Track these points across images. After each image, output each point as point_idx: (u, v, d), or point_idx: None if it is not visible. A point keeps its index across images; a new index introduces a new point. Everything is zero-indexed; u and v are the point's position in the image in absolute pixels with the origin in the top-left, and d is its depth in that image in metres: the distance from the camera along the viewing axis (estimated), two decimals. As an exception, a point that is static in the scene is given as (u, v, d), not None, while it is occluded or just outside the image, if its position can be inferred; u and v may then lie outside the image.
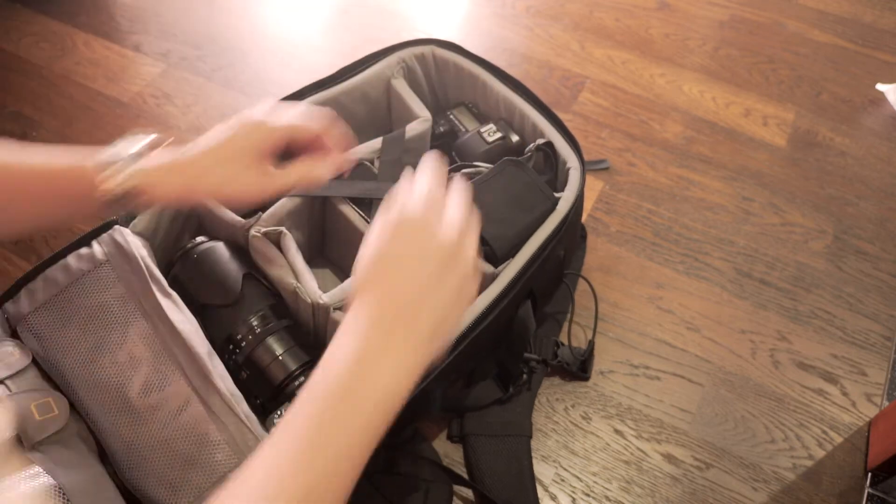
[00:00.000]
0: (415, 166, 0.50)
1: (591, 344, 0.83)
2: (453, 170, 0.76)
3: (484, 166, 0.76)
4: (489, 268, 0.71)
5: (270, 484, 0.38)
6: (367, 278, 0.45)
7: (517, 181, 0.74)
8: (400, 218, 0.46)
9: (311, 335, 0.73)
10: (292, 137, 0.61)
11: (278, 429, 0.40)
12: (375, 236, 0.46)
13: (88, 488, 0.57)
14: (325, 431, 0.40)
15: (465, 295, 0.46)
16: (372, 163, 0.80)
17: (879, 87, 1.18)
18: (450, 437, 0.77)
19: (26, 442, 0.58)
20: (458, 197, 0.49)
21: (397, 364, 0.42)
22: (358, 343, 0.42)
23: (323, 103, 0.83)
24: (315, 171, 0.62)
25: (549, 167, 0.81)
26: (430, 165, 0.50)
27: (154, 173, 0.56)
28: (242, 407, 0.61)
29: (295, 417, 0.41)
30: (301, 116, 0.61)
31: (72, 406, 0.63)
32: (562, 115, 0.81)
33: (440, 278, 0.44)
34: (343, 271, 0.85)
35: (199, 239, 0.74)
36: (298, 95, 0.82)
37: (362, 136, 0.87)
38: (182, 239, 0.74)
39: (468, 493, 0.74)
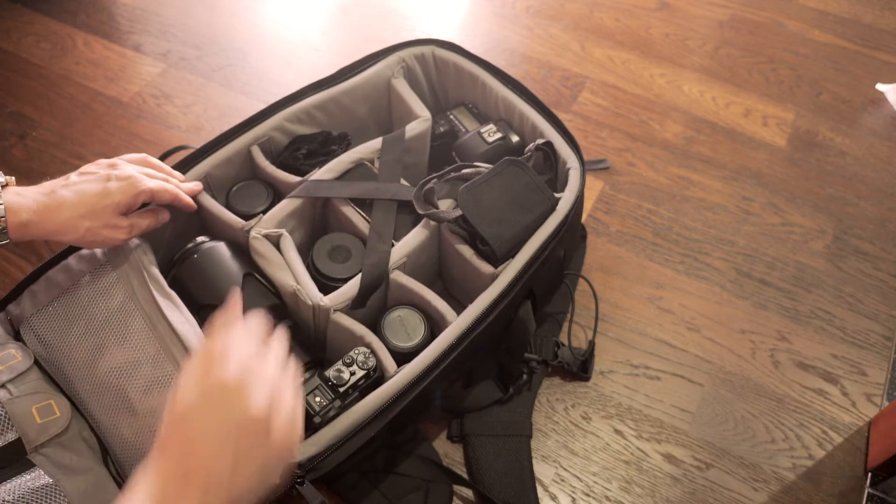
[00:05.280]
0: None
1: (592, 344, 0.83)
2: (453, 170, 0.76)
3: (484, 166, 0.76)
4: (489, 268, 0.71)
5: None
6: (172, 435, 0.44)
7: (517, 181, 0.74)
8: (213, 376, 0.45)
9: (311, 336, 0.73)
10: (150, 198, 0.67)
11: None
12: (185, 388, 0.45)
13: (89, 490, 0.57)
14: None
15: (269, 471, 0.45)
16: (372, 163, 0.80)
17: (879, 87, 1.18)
18: (450, 437, 0.77)
19: (28, 445, 0.58)
20: (276, 359, 0.48)
21: None
22: (152, 499, 0.41)
23: (323, 103, 0.83)
24: (161, 214, 0.70)
25: (549, 167, 0.81)
26: (258, 321, 0.50)
27: (21, 212, 0.59)
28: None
29: None
30: (160, 184, 0.67)
31: (75, 407, 0.63)
32: (562, 115, 0.81)
33: (243, 453, 0.43)
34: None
35: (201, 239, 0.74)
36: (298, 96, 0.83)
37: (362, 136, 0.87)
38: (183, 238, 0.74)
39: (468, 493, 0.74)
